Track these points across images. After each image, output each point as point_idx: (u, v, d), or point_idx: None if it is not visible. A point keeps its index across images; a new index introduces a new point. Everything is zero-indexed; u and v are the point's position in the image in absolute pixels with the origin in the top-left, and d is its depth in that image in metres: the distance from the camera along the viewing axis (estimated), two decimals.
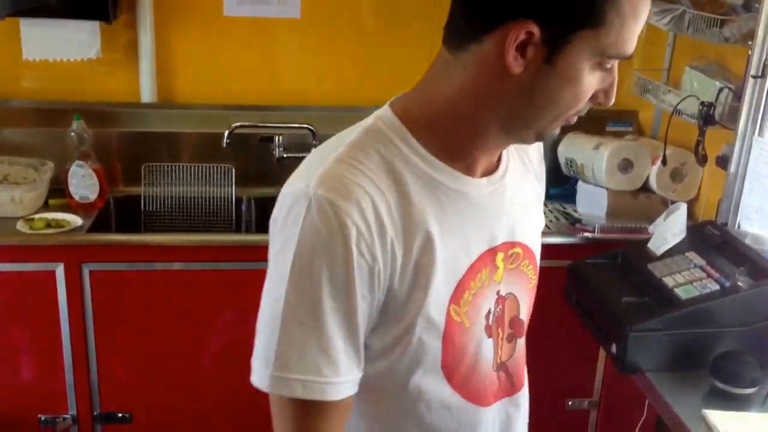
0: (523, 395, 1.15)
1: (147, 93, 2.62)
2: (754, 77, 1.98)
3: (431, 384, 0.99)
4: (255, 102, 2.68)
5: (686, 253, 1.87)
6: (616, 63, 0.90)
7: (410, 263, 0.92)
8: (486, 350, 1.04)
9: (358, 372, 0.94)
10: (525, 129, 0.93)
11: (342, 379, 0.91)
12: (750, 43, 1.99)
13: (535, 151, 1.13)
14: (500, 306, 1.05)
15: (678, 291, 1.73)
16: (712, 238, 1.91)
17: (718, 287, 1.71)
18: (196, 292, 2.26)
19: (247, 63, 2.68)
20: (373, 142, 0.93)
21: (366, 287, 0.89)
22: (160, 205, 2.59)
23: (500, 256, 1.03)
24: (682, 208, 1.96)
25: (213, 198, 2.61)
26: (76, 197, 2.38)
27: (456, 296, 0.97)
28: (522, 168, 1.09)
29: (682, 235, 1.95)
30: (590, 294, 1.93)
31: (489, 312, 1.03)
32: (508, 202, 1.03)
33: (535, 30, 0.84)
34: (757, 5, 2.01)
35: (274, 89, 2.70)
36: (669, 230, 1.93)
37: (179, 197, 2.60)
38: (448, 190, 0.95)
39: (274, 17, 2.64)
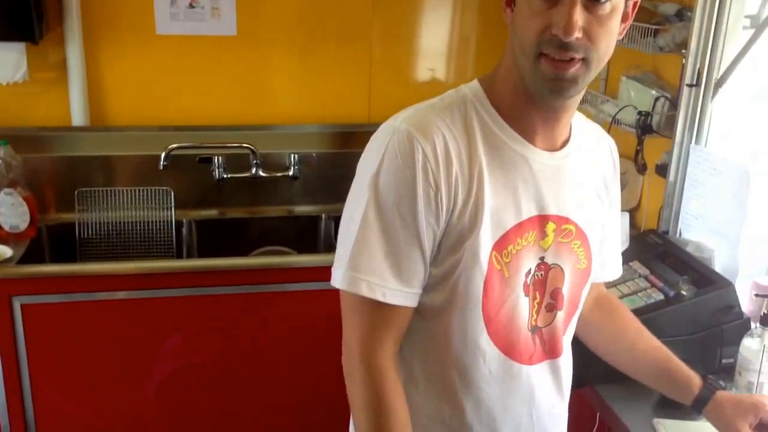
0: (564, 362, 1.25)
1: (78, 116, 2.53)
2: (689, 86, 2.01)
3: (471, 324, 1.11)
4: (192, 122, 2.61)
5: (630, 263, 1.88)
6: (567, 1, 0.97)
7: (469, 203, 1.06)
8: (522, 308, 1.14)
9: (418, 288, 1.09)
10: (525, 73, 1.03)
11: (403, 288, 1.07)
12: (684, 51, 2.02)
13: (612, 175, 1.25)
14: (542, 272, 1.15)
15: (623, 302, 1.73)
16: (654, 247, 1.93)
17: (662, 297, 1.72)
18: (136, 321, 2.19)
19: (182, 82, 2.61)
20: (458, 102, 1.10)
21: (430, 213, 1.05)
22: (95, 231, 2.50)
23: (551, 226, 1.13)
24: (625, 218, 1.98)
25: (151, 222, 2.54)
26: (6, 227, 2.28)
27: (499, 245, 1.09)
28: (595, 174, 1.21)
29: (626, 244, 1.96)
30: None
31: (529, 272, 1.13)
32: (567, 182, 1.14)
33: None
34: (689, 14, 2.05)
35: (212, 109, 2.64)
36: None
37: (116, 223, 2.52)
38: (510, 150, 1.09)
39: (209, 35, 2.58)
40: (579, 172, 1.17)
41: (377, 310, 1.07)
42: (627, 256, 1.90)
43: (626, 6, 1.04)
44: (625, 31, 1.07)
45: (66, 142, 2.53)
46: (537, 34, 1.00)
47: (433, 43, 2.77)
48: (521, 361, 1.17)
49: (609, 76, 2.60)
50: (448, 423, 1.17)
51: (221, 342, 2.22)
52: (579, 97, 1.11)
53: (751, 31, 1.90)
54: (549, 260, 1.15)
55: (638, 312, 1.69)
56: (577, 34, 0.98)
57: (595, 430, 2.12)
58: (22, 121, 2.50)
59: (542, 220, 1.12)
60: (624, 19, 1.05)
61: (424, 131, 1.05)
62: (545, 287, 1.16)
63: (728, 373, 1.65)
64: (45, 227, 2.44)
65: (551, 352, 1.21)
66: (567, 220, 1.15)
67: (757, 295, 1.77)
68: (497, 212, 1.08)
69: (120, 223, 2.52)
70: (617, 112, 2.24)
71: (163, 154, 2.43)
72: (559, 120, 1.12)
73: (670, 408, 1.56)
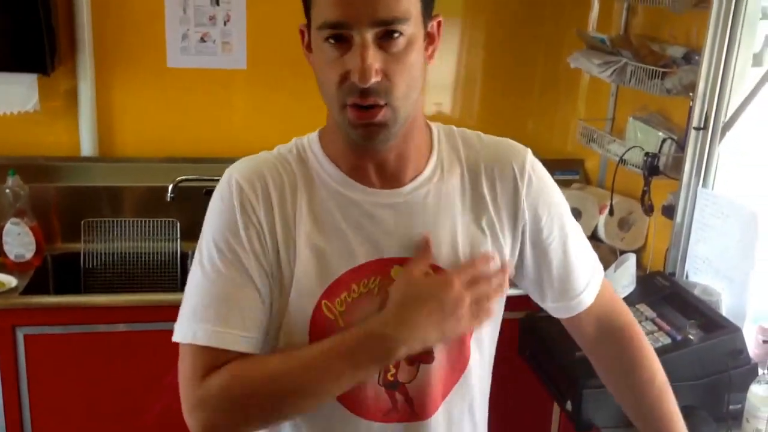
0: (439, 425, 1.10)
1: (87, 146, 2.54)
2: (696, 129, 2.01)
3: None
4: (200, 154, 2.62)
5: (637, 305, 1.87)
6: (358, 44, 0.92)
7: (290, 246, 1.02)
8: None
9: (256, 332, 1.02)
10: (336, 121, 0.99)
11: (240, 333, 1.00)
12: (691, 94, 2.03)
13: (523, 188, 1.09)
14: None
15: None
16: (661, 290, 1.92)
17: (669, 341, 1.71)
18: (138, 354, 2.17)
19: (191, 115, 2.62)
20: (292, 149, 1.08)
21: (256, 249, 1.01)
22: (100, 262, 2.50)
23: (397, 269, 1.04)
24: (632, 260, 1.97)
25: (157, 253, 2.54)
26: (11, 256, 2.28)
27: (330, 293, 1.02)
28: (469, 196, 1.08)
29: (632, 286, 1.95)
30: (543, 348, 1.91)
31: None
32: (419, 218, 1.05)
33: (305, 30, 1.01)
34: (697, 57, 2.06)
35: (220, 141, 2.65)
36: (619, 282, 1.93)
37: (121, 253, 2.52)
38: (339, 194, 1.04)
39: (219, 68, 2.61)
40: (444, 202, 1.06)
41: (214, 357, 1.00)
42: (634, 298, 1.90)
43: (428, 27, 0.98)
44: (435, 54, 1.01)
45: (74, 173, 2.54)
46: (337, 85, 0.95)
47: (439, 78, 2.79)
48: (368, 416, 1.07)
49: (616, 116, 2.62)
50: None
51: None
52: (411, 139, 1.04)
53: (756, 70, 1.90)
54: None
55: None
56: (375, 78, 0.92)
57: None
58: (31, 150, 2.52)
59: (383, 264, 1.03)
60: (431, 41, 1.00)
61: (246, 175, 1.03)
62: None
63: (736, 419, 1.63)
64: (50, 257, 2.43)
65: (420, 412, 1.08)
66: None
67: (765, 341, 1.76)
68: (324, 258, 1.02)
69: (125, 253, 2.52)
70: (624, 153, 2.24)
71: (170, 186, 2.44)
72: (390, 160, 1.04)
73: None
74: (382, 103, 0.94)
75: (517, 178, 1.09)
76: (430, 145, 1.09)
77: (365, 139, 0.98)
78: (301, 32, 1.03)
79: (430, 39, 1.00)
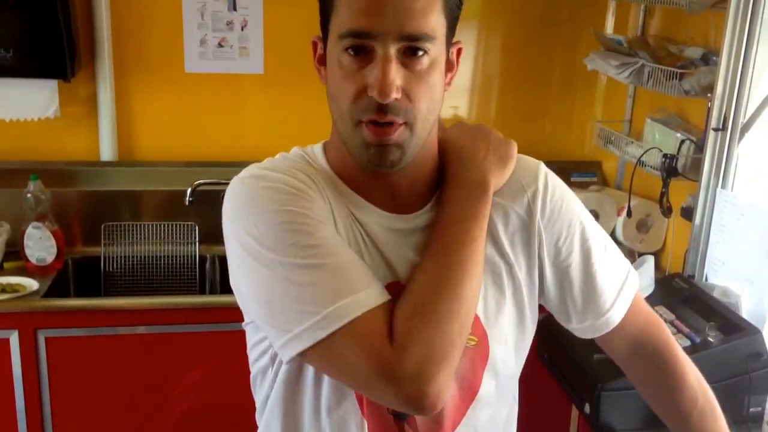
0: None
1: (107, 151, 2.57)
2: (715, 130, 1.99)
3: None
4: (218, 158, 2.65)
5: (655, 308, 1.85)
6: (380, 57, 0.87)
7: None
8: None
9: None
10: (346, 139, 0.94)
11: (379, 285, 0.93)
12: (709, 95, 2.02)
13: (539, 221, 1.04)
14: None
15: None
16: (680, 292, 1.91)
17: (689, 343, 1.70)
18: (158, 356, 2.19)
19: (209, 119, 2.65)
20: (300, 158, 1.02)
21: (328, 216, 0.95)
22: (120, 265, 2.52)
23: None
24: (650, 262, 1.96)
25: (176, 257, 2.56)
26: (33, 260, 2.31)
27: None
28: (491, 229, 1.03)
29: (651, 288, 1.94)
30: (561, 351, 1.90)
31: None
32: (421, 246, 0.98)
33: (319, 41, 0.96)
34: (715, 58, 2.04)
35: (238, 145, 2.67)
36: None
37: (140, 257, 2.54)
38: (350, 214, 0.98)
39: (236, 73, 2.63)
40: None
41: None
42: (652, 301, 1.88)
43: (449, 54, 0.95)
44: (452, 81, 0.98)
45: (94, 177, 2.57)
46: (352, 99, 0.89)
47: (457, 80, 2.77)
48: None
49: (633, 117, 2.61)
50: None
51: (242, 378, 2.21)
52: (424, 163, 0.99)
53: None
54: None
55: None
56: (395, 94, 0.87)
57: None
58: (52, 155, 2.55)
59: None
60: (449, 68, 0.96)
61: (278, 170, 0.96)
62: None
63: (756, 422, 1.62)
64: (71, 260, 2.46)
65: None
66: None
67: None
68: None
69: (145, 257, 2.54)
70: (642, 155, 2.23)
71: (189, 190, 2.46)
72: (402, 185, 0.99)
73: None
74: (400, 120, 0.89)
75: (529, 202, 1.03)
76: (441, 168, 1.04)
77: (378, 161, 0.91)
78: (314, 44, 0.98)
79: (449, 65, 0.96)
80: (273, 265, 0.89)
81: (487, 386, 1.04)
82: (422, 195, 1.01)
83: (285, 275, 0.89)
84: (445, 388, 0.88)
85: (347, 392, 0.97)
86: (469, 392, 1.03)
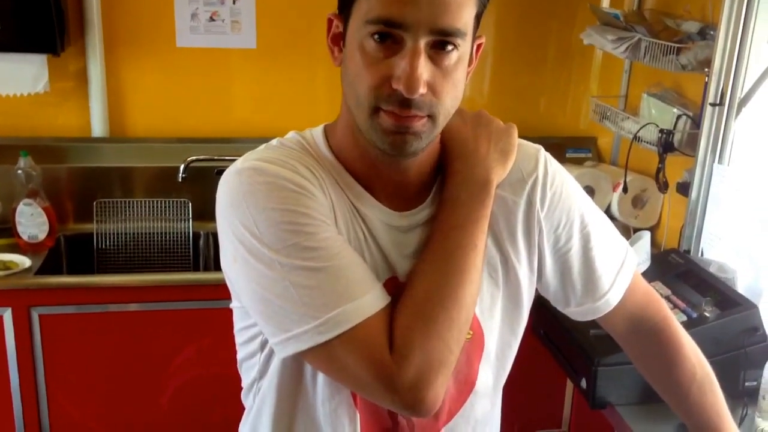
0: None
1: (98, 127, 2.54)
2: (712, 105, 1.99)
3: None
4: (211, 134, 2.62)
5: (652, 283, 1.84)
6: (409, 49, 0.83)
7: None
8: None
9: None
10: (361, 125, 0.89)
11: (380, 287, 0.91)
12: (706, 70, 2.01)
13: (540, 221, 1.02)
14: None
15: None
16: (676, 267, 1.91)
17: (685, 318, 1.70)
18: (152, 333, 2.19)
19: (201, 95, 2.62)
20: (298, 141, 0.99)
21: (329, 214, 0.92)
22: (113, 242, 2.51)
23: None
24: (646, 237, 1.95)
25: (169, 233, 2.54)
26: (25, 237, 2.29)
27: None
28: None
29: (647, 264, 1.94)
30: (558, 326, 1.90)
31: None
32: (420, 242, 0.97)
33: (336, 19, 0.91)
34: (712, 33, 2.03)
35: (230, 121, 2.64)
36: None
37: (133, 233, 2.52)
38: (352, 207, 0.95)
39: (228, 47, 2.59)
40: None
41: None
42: (648, 276, 1.89)
43: (473, 49, 0.92)
44: (469, 76, 0.93)
45: (85, 153, 2.54)
46: (374, 88, 0.85)
47: None
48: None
49: (629, 93, 2.59)
50: None
51: (236, 355, 2.21)
52: (429, 156, 0.97)
53: None
54: None
55: None
56: (422, 90, 0.83)
57: None
58: (43, 131, 2.52)
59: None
60: (469, 63, 0.92)
61: (277, 162, 0.92)
62: None
63: (751, 396, 1.62)
64: (63, 237, 2.44)
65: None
66: None
67: None
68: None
69: (137, 234, 2.52)
70: (638, 130, 2.22)
71: (181, 166, 2.44)
72: (407, 178, 0.97)
73: None
74: (424, 113, 0.86)
75: (529, 191, 1.01)
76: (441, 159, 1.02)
77: (393, 147, 0.88)
78: (329, 21, 0.93)
79: (469, 61, 0.92)
80: (273, 265, 0.87)
81: (484, 378, 1.04)
82: (422, 188, 0.99)
83: (285, 276, 0.86)
84: (442, 391, 0.88)
85: (341, 386, 0.96)
86: (465, 385, 1.03)
